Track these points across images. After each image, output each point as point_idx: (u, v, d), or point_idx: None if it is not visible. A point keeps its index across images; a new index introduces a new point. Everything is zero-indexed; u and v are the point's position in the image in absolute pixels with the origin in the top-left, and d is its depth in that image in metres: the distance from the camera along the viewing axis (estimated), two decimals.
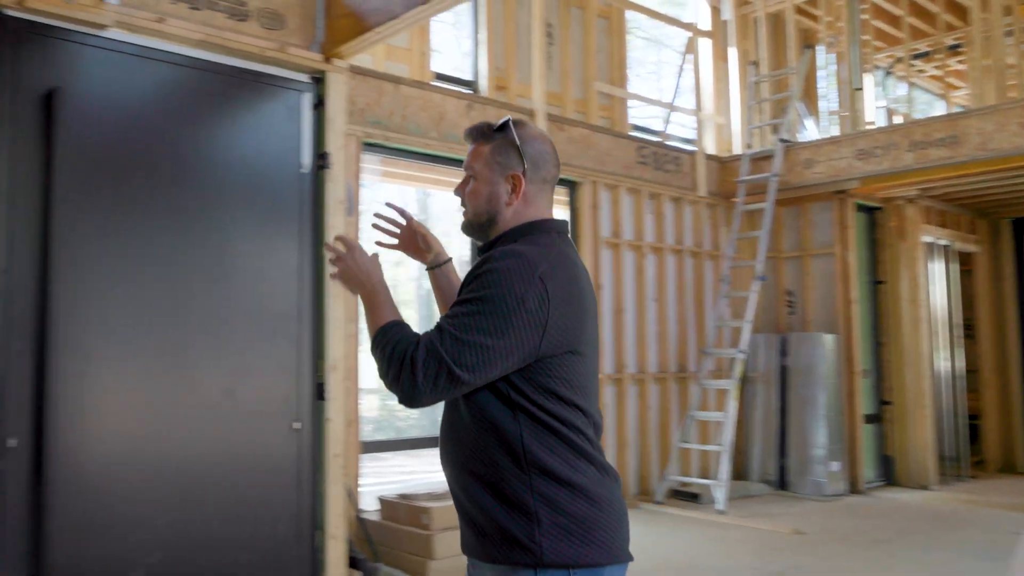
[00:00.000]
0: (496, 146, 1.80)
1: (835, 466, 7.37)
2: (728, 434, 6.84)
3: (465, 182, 1.85)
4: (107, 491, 3.39)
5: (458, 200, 1.90)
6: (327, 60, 3.99)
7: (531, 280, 1.61)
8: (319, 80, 4.02)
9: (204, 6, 3.68)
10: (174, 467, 3.55)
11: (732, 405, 6.95)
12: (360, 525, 4.85)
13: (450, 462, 1.76)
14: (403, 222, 2.10)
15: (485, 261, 1.68)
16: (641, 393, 7.21)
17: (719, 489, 6.65)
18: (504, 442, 1.65)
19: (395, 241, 2.11)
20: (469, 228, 1.86)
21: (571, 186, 6.93)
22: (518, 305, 1.59)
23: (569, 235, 1.84)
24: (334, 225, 3.92)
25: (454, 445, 1.74)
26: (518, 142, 1.77)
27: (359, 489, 5.12)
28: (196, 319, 3.63)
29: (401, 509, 4.76)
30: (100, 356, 3.39)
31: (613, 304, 7.05)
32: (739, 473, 7.74)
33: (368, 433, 7.28)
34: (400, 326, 1.70)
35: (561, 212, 6.80)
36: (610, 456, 6.67)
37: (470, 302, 1.63)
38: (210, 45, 3.71)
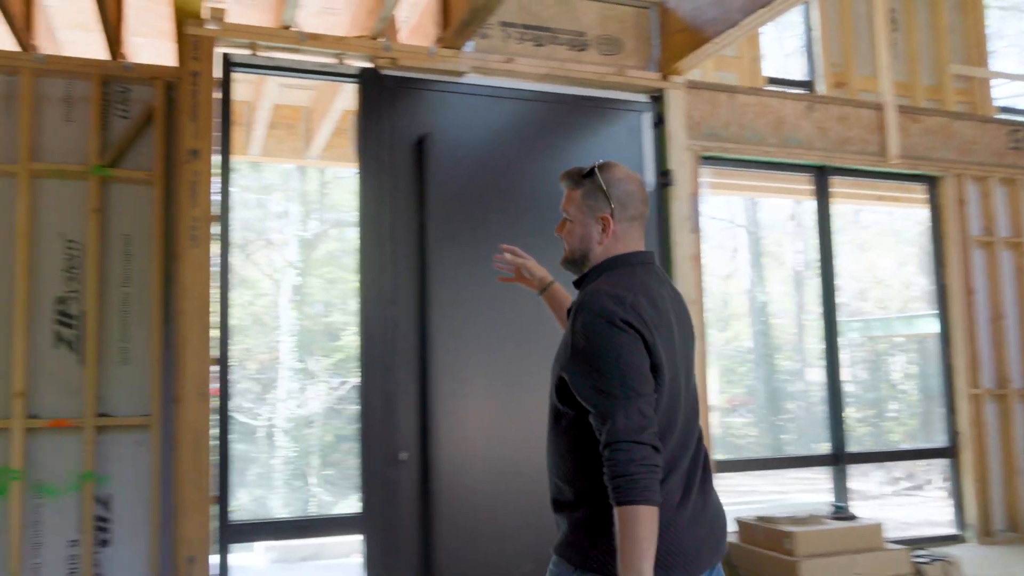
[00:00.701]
0: (586, 191, 1.93)
1: None
2: None
3: (562, 224, 1.99)
4: (481, 502, 3.64)
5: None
6: (664, 77, 4.00)
7: (626, 309, 1.75)
8: (657, 98, 4.04)
9: (547, 42, 3.87)
10: (538, 481, 3.72)
11: None
12: None
13: (547, 466, 2.00)
14: (513, 259, 2.36)
15: (579, 310, 1.81)
16: None
17: None
18: (576, 458, 1.84)
19: (512, 275, 2.38)
20: (566, 264, 2.00)
21: (930, 182, 6.27)
22: (626, 327, 1.73)
23: (655, 263, 1.95)
24: (680, 242, 3.89)
25: (549, 454, 1.98)
26: (604, 186, 1.91)
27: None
28: (545, 340, 3.79)
29: (760, 532, 4.57)
30: (467, 377, 3.66)
31: (989, 311, 6.24)
32: None
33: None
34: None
35: (921, 211, 6.17)
36: (996, 484, 5.88)
37: (589, 352, 1.75)
38: (554, 78, 3.88)
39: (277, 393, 14.63)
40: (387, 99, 3.67)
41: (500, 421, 3.73)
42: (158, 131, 3.81)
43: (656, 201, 3.96)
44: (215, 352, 3.42)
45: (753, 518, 4.80)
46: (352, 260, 18.65)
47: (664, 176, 3.95)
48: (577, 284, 1.96)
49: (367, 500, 3.54)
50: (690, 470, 1.82)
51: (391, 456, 3.53)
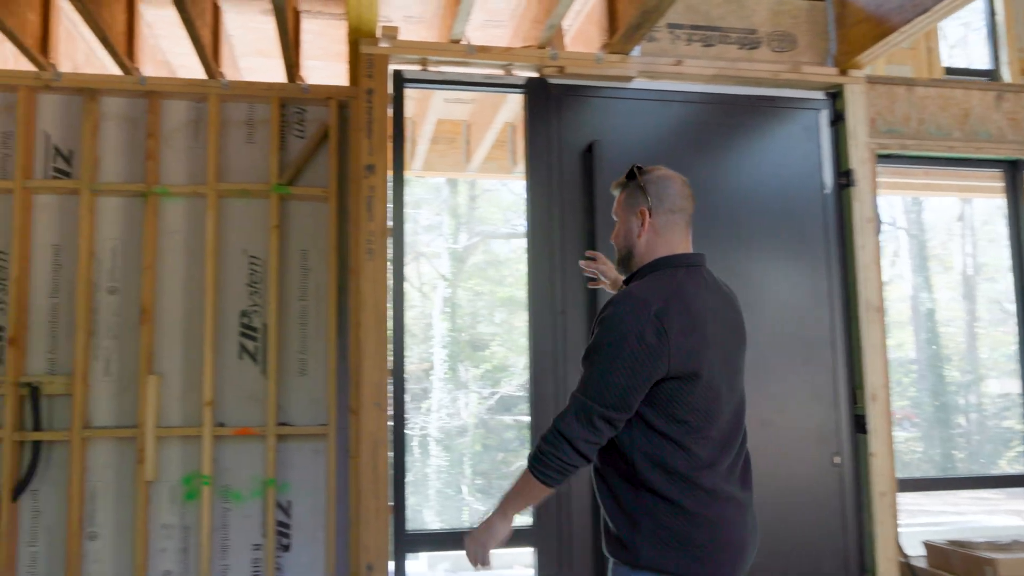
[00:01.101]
0: (627, 191, 2.05)
1: None
2: None
3: (614, 228, 2.11)
4: None
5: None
6: (843, 72, 3.78)
7: (647, 318, 1.81)
8: (834, 95, 3.82)
9: (717, 41, 3.74)
10: None
11: None
12: (909, 572, 4.42)
13: (592, 471, 2.01)
14: (593, 265, 2.52)
15: (606, 307, 1.90)
16: None
17: None
18: (622, 458, 1.90)
19: (597, 277, 2.51)
20: (617, 265, 2.11)
21: None
22: (638, 342, 1.79)
23: (701, 266, 1.98)
24: (863, 245, 3.66)
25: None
26: (642, 184, 2.00)
27: (898, 530, 4.67)
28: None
29: (955, 558, 4.22)
30: None
31: None
32: None
33: None
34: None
35: None
36: None
37: (597, 351, 1.86)
38: (724, 78, 3.75)
39: (430, 403, 14.97)
40: (554, 107, 3.64)
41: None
42: (332, 149, 3.94)
43: (836, 203, 3.75)
44: (390, 363, 3.49)
45: (944, 542, 4.45)
46: (497, 272, 19.02)
47: (845, 176, 3.74)
48: (626, 283, 2.06)
49: (538, 512, 3.50)
50: (730, 468, 1.90)
51: None
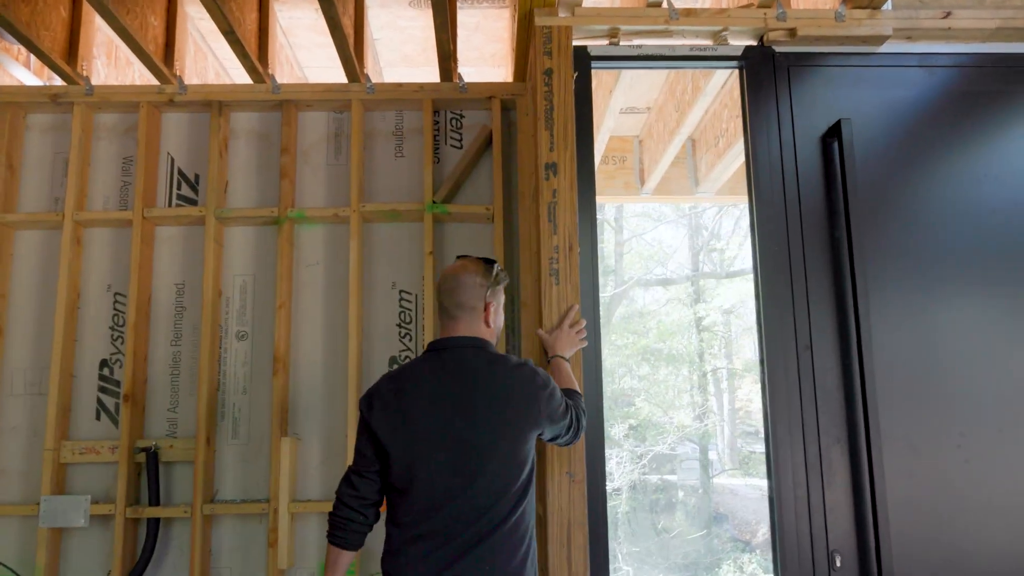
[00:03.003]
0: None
1: None
2: None
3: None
4: None
5: None
6: None
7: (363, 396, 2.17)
8: None
9: None
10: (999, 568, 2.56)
11: None
12: None
13: None
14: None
15: None
16: None
17: None
18: None
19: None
20: None
21: None
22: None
23: (445, 349, 2.12)
24: None
25: None
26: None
27: None
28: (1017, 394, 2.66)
29: None
30: (922, 446, 2.61)
31: None
32: None
33: None
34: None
35: None
36: None
37: None
38: (1009, 32, 2.82)
39: None
40: (781, 82, 2.81)
41: (973, 503, 2.62)
42: (496, 158, 3.24)
43: None
44: None
45: None
46: (641, 323, 17.97)
47: None
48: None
49: None
50: (435, 535, 1.99)
51: (816, 557, 2.55)
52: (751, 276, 2.89)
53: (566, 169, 2.64)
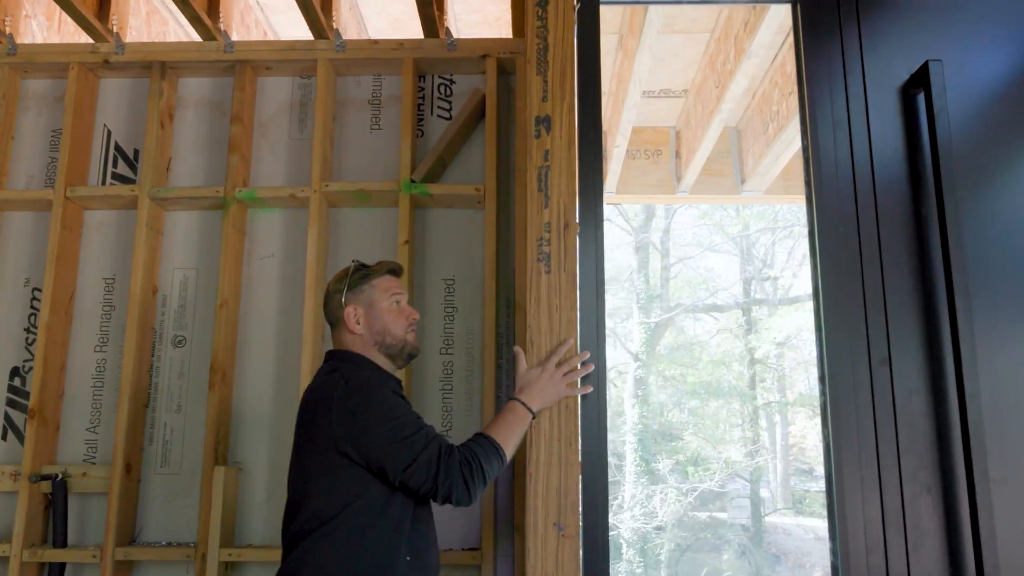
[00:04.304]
0: None
1: None
2: None
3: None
4: None
5: None
6: None
7: None
8: None
9: None
10: None
11: None
12: None
13: None
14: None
15: None
16: None
17: None
18: None
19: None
20: None
21: None
22: None
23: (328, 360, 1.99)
24: None
25: None
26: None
27: None
28: None
29: None
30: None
31: None
32: None
33: None
34: None
35: None
36: None
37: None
38: None
39: (621, 498, 13.15)
40: (848, 18, 2.17)
41: None
42: (490, 129, 2.64)
43: None
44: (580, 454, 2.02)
45: None
46: (689, 354, 17.12)
47: None
48: None
49: None
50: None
51: None
52: (806, 305, 2.25)
53: (562, 124, 2.03)
